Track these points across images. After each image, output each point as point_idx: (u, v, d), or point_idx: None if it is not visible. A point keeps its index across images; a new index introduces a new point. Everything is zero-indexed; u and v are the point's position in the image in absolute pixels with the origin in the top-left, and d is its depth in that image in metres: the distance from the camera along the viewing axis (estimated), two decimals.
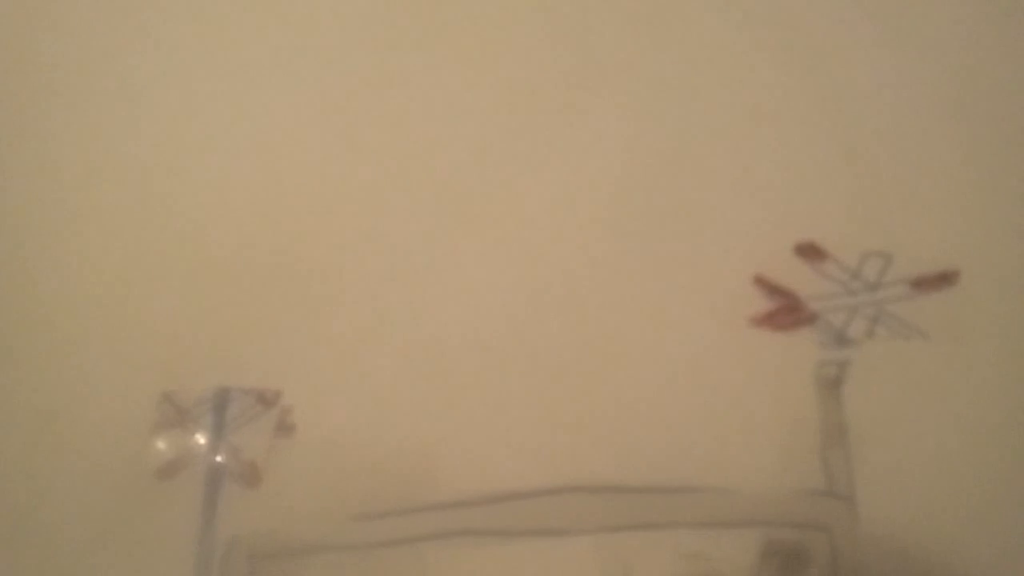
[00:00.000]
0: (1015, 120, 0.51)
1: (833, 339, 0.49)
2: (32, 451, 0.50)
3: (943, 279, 0.49)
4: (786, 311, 0.49)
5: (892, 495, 0.47)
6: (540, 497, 0.48)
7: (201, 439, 0.50)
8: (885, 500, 0.47)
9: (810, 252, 0.50)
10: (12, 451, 0.50)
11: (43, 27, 0.55)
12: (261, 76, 0.54)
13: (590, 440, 0.49)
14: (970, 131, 0.51)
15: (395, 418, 0.49)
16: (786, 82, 0.53)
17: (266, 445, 0.49)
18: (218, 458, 0.49)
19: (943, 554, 0.46)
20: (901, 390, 0.48)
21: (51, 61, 0.55)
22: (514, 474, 0.48)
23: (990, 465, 0.47)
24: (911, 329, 0.49)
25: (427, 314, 0.51)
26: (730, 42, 0.53)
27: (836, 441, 0.48)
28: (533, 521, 0.48)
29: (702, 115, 0.53)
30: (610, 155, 0.52)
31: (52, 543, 0.48)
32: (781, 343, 0.49)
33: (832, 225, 0.50)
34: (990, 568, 0.46)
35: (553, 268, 0.51)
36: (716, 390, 0.49)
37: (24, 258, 0.53)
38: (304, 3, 0.55)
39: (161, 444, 0.50)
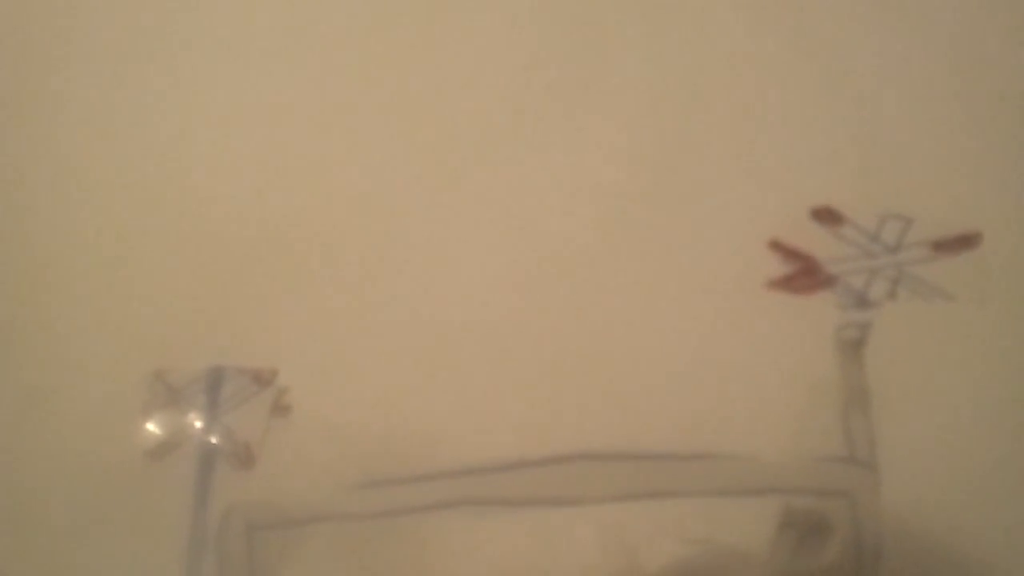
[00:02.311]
0: None
1: (853, 301, 0.48)
2: (19, 430, 0.49)
3: (965, 241, 0.48)
4: (804, 274, 0.48)
5: (916, 461, 0.46)
6: (547, 465, 0.47)
7: (194, 419, 0.49)
8: (908, 466, 0.46)
9: (827, 216, 0.49)
10: None
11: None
12: (259, 50, 0.53)
13: (601, 407, 0.47)
14: (990, 91, 0.50)
15: (395, 398, 0.48)
16: (801, 43, 0.52)
17: (261, 426, 0.48)
18: (211, 439, 0.48)
19: (968, 521, 0.45)
20: (924, 353, 0.47)
21: (45, 32, 0.54)
22: (521, 443, 0.47)
23: (1017, 430, 0.46)
24: (934, 290, 0.48)
25: (428, 287, 0.50)
26: (738, 8, 0.52)
27: (858, 406, 0.46)
28: (540, 490, 0.46)
29: (716, 80, 0.52)
30: (621, 123, 0.51)
31: (38, 524, 0.47)
32: (799, 306, 0.48)
33: (849, 189, 0.49)
34: (1017, 536, 0.44)
35: (563, 235, 0.50)
36: (733, 354, 0.48)
37: (14, 234, 0.51)
38: None
39: (152, 424, 0.49)
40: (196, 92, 0.53)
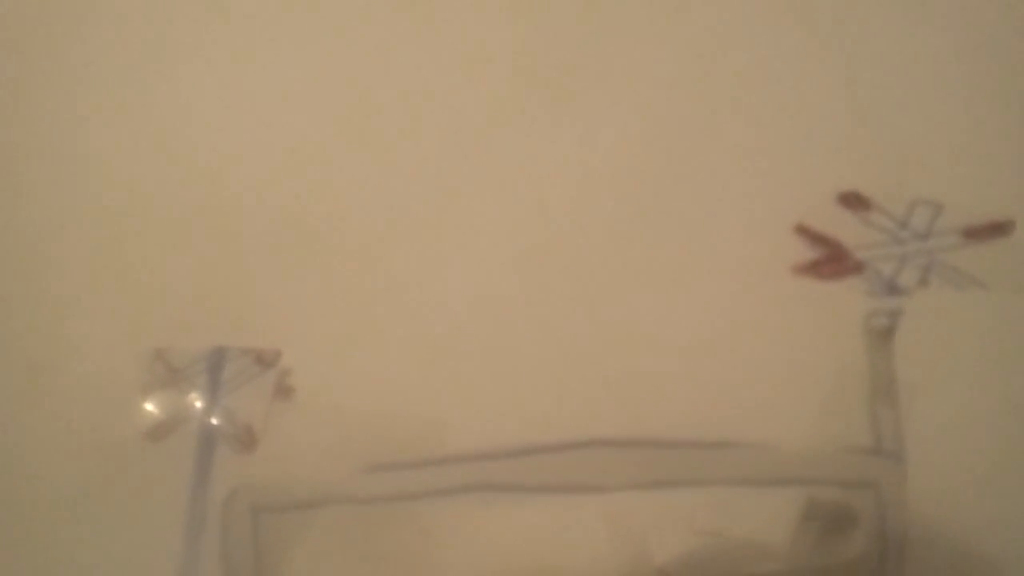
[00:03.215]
0: None
1: (883, 288, 0.47)
2: (15, 407, 0.48)
3: (997, 228, 0.47)
4: (831, 260, 0.47)
5: (944, 453, 0.45)
6: (560, 452, 0.45)
7: (194, 400, 0.48)
8: (936, 458, 0.45)
9: (854, 201, 0.47)
10: None
11: None
12: (269, 30, 0.52)
13: (618, 393, 0.46)
14: (1019, 79, 0.49)
15: (403, 382, 0.47)
16: (828, 25, 0.51)
17: (263, 408, 0.47)
18: (212, 420, 0.47)
19: (996, 515, 0.44)
20: (955, 342, 0.46)
21: (56, 10, 0.53)
22: (533, 429, 0.46)
23: None
24: (966, 278, 0.46)
25: (437, 269, 0.49)
26: None
27: (885, 395, 0.45)
28: (552, 477, 0.45)
29: (741, 61, 0.51)
30: (645, 104, 0.50)
31: (35, 503, 0.46)
32: (826, 292, 0.47)
33: (877, 174, 0.48)
34: None
35: (580, 218, 0.49)
36: (756, 340, 0.47)
37: (16, 210, 0.50)
38: None
39: (152, 404, 0.47)
40: (205, 72, 0.52)
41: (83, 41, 0.53)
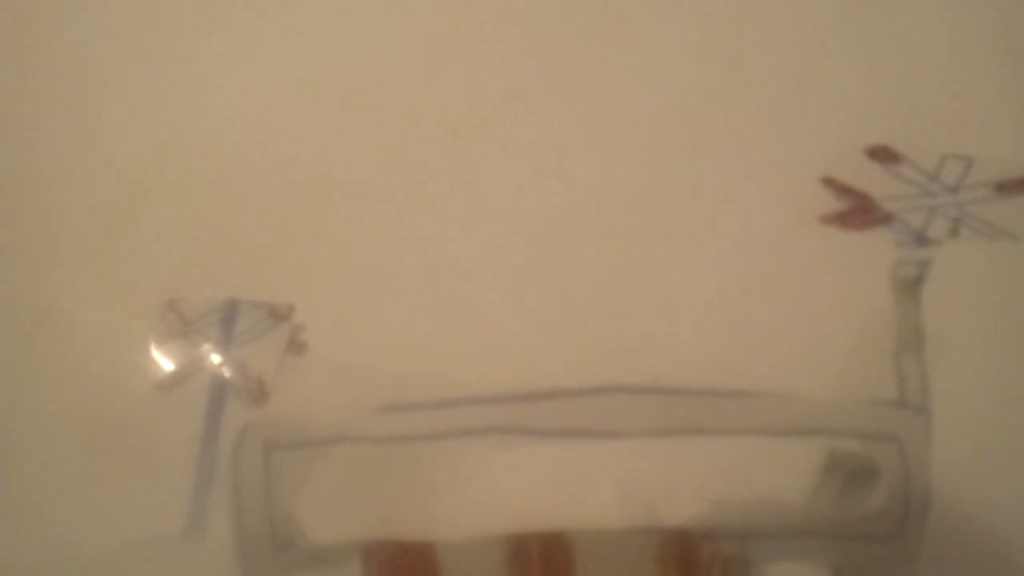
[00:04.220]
0: None
1: (912, 238, 0.46)
2: (24, 354, 0.47)
3: None
4: (859, 211, 0.46)
5: (970, 409, 0.44)
6: (581, 396, 0.45)
7: (206, 352, 0.47)
8: (962, 414, 0.44)
9: (883, 155, 0.47)
10: (2, 354, 0.47)
11: None
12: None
13: (639, 339, 0.46)
14: None
15: (419, 338, 0.47)
16: None
17: (275, 362, 0.46)
18: (224, 372, 0.46)
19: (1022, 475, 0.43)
20: (986, 295, 0.45)
21: None
22: (552, 373, 0.45)
23: None
24: (998, 230, 0.46)
25: (456, 222, 0.48)
26: None
27: (912, 347, 0.44)
28: (570, 422, 0.45)
29: (768, 14, 0.50)
30: (669, 64, 0.50)
31: (42, 452, 0.46)
32: (854, 242, 0.46)
33: (906, 128, 0.47)
34: None
35: (603, 171, 0.48)
36: (781, 289, 0.46)
37: (25, 153, 0.50)
38: None
39: (163, 355, 0.47)
40: (219, 31, 0.51)
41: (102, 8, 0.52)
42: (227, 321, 0.48)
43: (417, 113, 0.50)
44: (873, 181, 0.47)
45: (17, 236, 0.49)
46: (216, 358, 0.47)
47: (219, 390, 0.47)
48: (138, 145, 0.50)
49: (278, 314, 0.48)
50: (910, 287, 0.45)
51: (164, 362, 0.47)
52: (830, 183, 0.47)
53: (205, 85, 0.51)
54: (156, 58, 0.51)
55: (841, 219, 0.47)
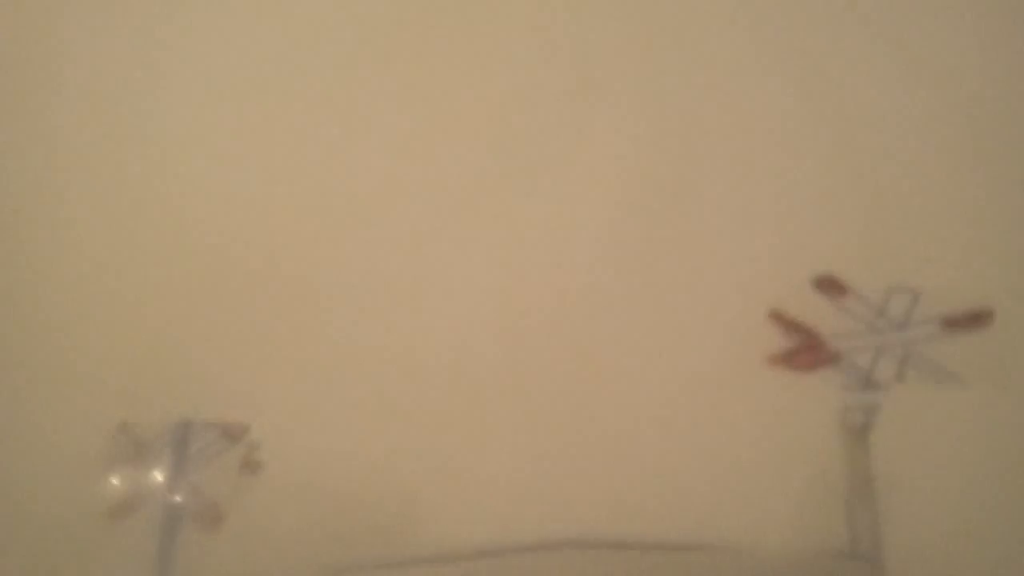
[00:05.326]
0: None
1: (859, 381, 0.46)
2: None
3: (976, 319, 0.45)
4: (806, 350, 0.46)
5: (923, 557, 0.44)
6: (532, 553, 0.44)
7: (159, 476, 0.47)
8: (915, 563, 0.44)
9: (830, 286, 0.46)
10: None
11: (40, 25, 0.51)
12: (247, 84, 0.51)
13: (589, 488, 0.45)
14: (1001, 164, 0.48)
15: (373, 458, 0.46)
16: (805, 110, 0.50)
17: (230, 484, 0.46)
18: (176, 497, 0.46)
19: None
20: (933, 438, 0.45)
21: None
22: (503, 525, 0.45)
23: None
24: (943, 372, 0.45)
25: (408, 347, 0.47)
26: (741, 65, 0.50)
27: (862, 495, 0.44)
28: None
29: (716, 138, 0.50)
30: (614, 177, 0.49)
31: None
32: (801, 385, 0.46)
33: (853, 258, 0.47)
34: None
35: (550, 298, 0.48)
36: (729, 436, 0.46)
37: None
38: (302, 8, 0.51)
39: (115, 480, 0.47)
40: (176, 133, 0.51)
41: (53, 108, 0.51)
42: (180, 443, 0.48)
43: (373, 233, 0.50)
44: (820, 315, 0.47)
45: None
46: (169, 483, 0.47)
47: (172, 516, 0.47)
48: (88, 269, 0.50)
49: (232, 434, 0.48)
50: (859, 435, 0.45)
51: (117, 488, 0.47)
52: (778, 318, 0.47)
53: (156, 212, 0.50)
54: (108, 182, 0.50)
55: (789, 359, 0.46)
